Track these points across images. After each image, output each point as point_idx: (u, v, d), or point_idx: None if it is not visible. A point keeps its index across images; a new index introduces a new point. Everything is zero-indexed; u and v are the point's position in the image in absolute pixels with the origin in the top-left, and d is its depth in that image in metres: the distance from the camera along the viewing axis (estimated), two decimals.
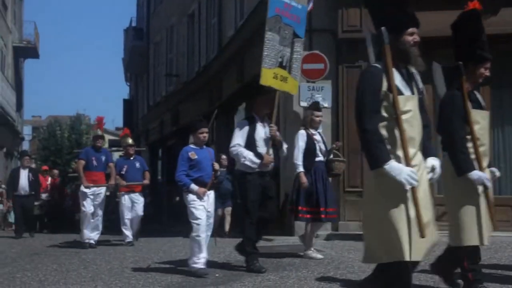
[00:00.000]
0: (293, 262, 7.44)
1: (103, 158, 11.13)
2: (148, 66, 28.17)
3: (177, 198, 12.28)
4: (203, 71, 19.19)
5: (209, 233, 6.86)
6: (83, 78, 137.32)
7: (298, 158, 7.86)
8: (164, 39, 25.16)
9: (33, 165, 17.48)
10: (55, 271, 7.39)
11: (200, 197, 6.71)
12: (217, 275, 6.66)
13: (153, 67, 27.39)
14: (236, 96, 16.48)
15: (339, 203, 10.83)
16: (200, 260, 6.63)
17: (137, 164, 11.60)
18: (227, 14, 17.20)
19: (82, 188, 10.83)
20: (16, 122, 28.57)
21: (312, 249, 8.01)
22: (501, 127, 11.42)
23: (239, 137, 7.08)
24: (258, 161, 6.95)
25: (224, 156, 12.53)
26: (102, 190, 11.02)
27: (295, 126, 11.40)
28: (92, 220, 10.79)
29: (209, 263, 7.53)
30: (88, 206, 10.72)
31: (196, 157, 6.85)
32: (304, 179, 7.73)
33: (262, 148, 7.05)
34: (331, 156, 8.24)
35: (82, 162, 11.00)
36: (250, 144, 7.03)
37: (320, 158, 8.01)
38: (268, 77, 7.38)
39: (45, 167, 21.23)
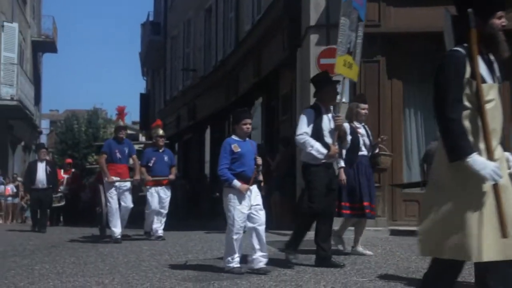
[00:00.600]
0: (309, 257, 7.42)
1: (126, 150, 10.65)
2: (165, 60, 28.24)
3: (217, 194, 11.92)
4: (220, 65, 19.21)
5: (263, 226, 6.49)
6: (100, 72, 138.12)
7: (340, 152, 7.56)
8: (181, 33, 25.20)
9: (48, 157, 17.26)
10: (73, 263, 7.45)
11: (241, 195, 6.36)
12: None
13: (170, 62, 27.45)
14: (253, 91, 16.49)
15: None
16: (234, 259, 6.41)
17: (166, 158, 11.03)
18: (244, 8, 17.18)
19: (106, 182, 10.44)
20: (34, 116, 28.77)
21: (361, 245, 7.78)
22: None
23: (305, 126, 6.73)
24: (325, 151, 6.66)
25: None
26: (128, 184, 10.58)
27: None
28: (122, 216, 10.40)
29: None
30: (114, 201, 10.34)
31: (239, 149, 6.47)
32: (343, 176, 7.40)
33: (328, 139, 6.76)
34: (377, 151, 7.94)
35: (105, 155, 10.53)
36: (317, 134, 6.72)
37: (364, 152, 7.69)
38: (340, 64, 7.10)
39: (68, 161, 21.28)
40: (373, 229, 10.47)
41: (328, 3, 11.40)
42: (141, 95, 35.93)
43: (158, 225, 10.74)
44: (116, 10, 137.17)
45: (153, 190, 10.75)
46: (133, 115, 52.90)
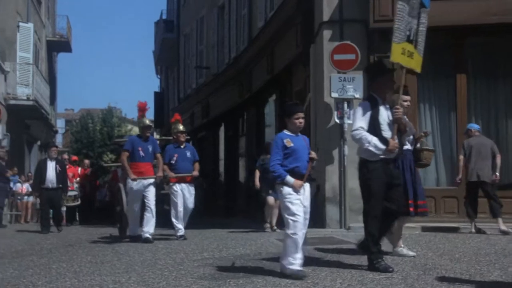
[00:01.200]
0: (325, 254, 7.41)
1: (150, 148, 10.19)
2: (179, 58, 28.29)
3: (270, 192, 11.16)
4: (233, 62, 19.21)
5: (305, 231, 6.05)
6: (114, 71, 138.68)
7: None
8: (194, 31, 25.23)
9: (65, 155, 17.24)
10: (90, 262, 7.48)
11: (296, 190, 5.92)
12: (249, 266, 6.66)
13: (183, 60, 27.50)
14: (267, 88, 16.47)
15: None
16: (296, 261, 5.89)
17: (188, 153, 10.59)
18: (257, 5, 17.16)
19: (129, 182, 9.97)
20: (49, 116, 28.93)
21: (402, 245, 7.37)
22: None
23: (361, 120, 6.24)
24: (383, 147, 6.17)
25: None
26: (151, 182, 10.08)
27: (326, 118, 11.37)
28: (148, 215, 9.94)
29: (241, 255, 7.56)
30: (136, 200, 9.99)
31: (292, 144, 5.98)
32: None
33: (386, 133, 6.26)
34: (419, 145, 7.60)
35: (126, 153, 10.07)
36: (374, 127, 6.22)
37: (408, 146, 7.24)
38: (397, 53, 6.61)
39: (74, 158, 21.08)
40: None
41: None
42: (155, 93, 36.03)
43: (180, 224, 10.36)
44: (129, 9, 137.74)
45: (177, 187, 10.35)
46: (147, 113, 53.12)
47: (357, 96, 10.98)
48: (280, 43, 14.86)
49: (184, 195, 10.39)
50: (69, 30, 33.03)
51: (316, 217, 11.53)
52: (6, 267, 7.21)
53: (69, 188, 15.70)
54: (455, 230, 10.03)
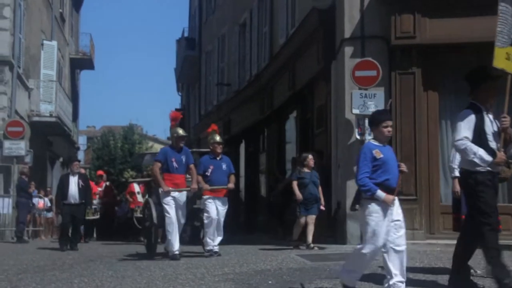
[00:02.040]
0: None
1: (184, 158, 9.83)
2: (200, 75, 28.47)
3: (357, 207, 11.06)
4: (254, 79, 19.29)
5: (404, 247, 5.67)
6: (136, 88, 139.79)
7: (454, 160, 7.08)
8: (215, 48, 25.40)
9: (83, 171, 16.51)
10: (111, 277, 7.52)
11: (386, 207, 5.54)
12: (270, 282, 6.65)
13: (204, 77, 27.67)
14: (288, 104, 16.50)
15: None
16: (353, 276, 5.71)
17: (224, 166, 10.18)
18: (279, 22, 17.25)
19: (162, 194, 9.61)
20: (72, 132, 29.22)
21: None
22: None
23: (466, 129, 5.84)
24: (490, 159, 5.78)
25: (310, 156, 11.12)
26: (184, 195, 9.81)
27: (347, 134, 11.35)
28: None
29: (262, 270, 7.55)
30: (173, 211, 9.55)
31: (382, 155, 5.57)
32: (456, 187, 6.93)
33: (492, 143, 5.88)
34: None
35: (159, 164, 9.71)
36: (479, 138, 5.83)
37: None
38: (501, 58, 6.20)
39: (100, 172, 20.68)
40: (411, 242, 10.35)
41: (363, 15, 11.39)
42: (177, 110, 36.22)
43: (215, 240, 9.92)
44: (152, 27, 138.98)
45: (211, 200, 9.91)
46: (167, 131, 53.40)
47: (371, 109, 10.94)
48: (301, 59, 14.91)
49: (218, 209, 9.95)
50: (92, 48, 33.43)
51: (338, 233, 11.50)
52: (29, 281, 7.27)
53: None
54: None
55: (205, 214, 9.90)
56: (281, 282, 6.59)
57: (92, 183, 15.71)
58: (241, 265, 8.33)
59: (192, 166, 9.92)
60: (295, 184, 10.81)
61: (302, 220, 10.77)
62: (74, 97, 31.70)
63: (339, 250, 10.09)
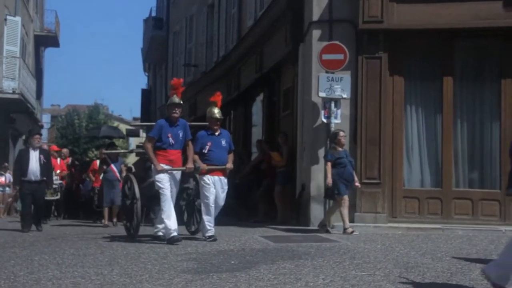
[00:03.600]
0: (309, 251, 7.44)
1: (181, 133, 8.89)
2: (167, 56, 28.24)
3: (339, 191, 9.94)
4: (221, 61, 19.20)
5: None
6: (102, 67, 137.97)
7: None
8: (183, 29, 25.20)
9: (45, 146, 15.10)
10: (72, 255, 7.46)
11: None
12: (232, 262, 6.67)
13: (172, 57, 27.45)
14: (255, 86, 16.48)
15: (355, 195, 10.80)
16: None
17: (223, 142, 9.19)
18: (247, 4, 17.17)
19: (155, 171, 8.72)
20: (35, 110, 28.78)
21: None
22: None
23: None
24: None
25: (342, 133, 10.19)
26: (179, 174, 8.94)
27: (313, 117, 11.39)
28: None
29: (225, 251, 7.56)
30: (168, 189, 8.64)
31: None
32: None
33: None
34: None
35: (153, 140, 8.81)
36: None
37: None
38: None
39: (53, 147, 17.69)
40: (373, 225, 10.49)
41: None
42: (143, 90, 35.96)
43: (211, 223, 8.99)
44: (119, 5, 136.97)
45: (209, 180, 8.94)
46: (133, 111, 52.96)
47: (344, 96, 11.01)
48: (269, 42, 14.87)
49: (216, 189, 9.02)
50: (57, 25, 32.86)
51: (301, 216, 11.57)
52: None
53: None
54: (438, 231, 10.08)
55: (204, 200, 8.96)
56: (243, 263, 6.61)
57: (54, 160, 14.27)
58: (204, 245, 8.33)
59: (189, 142, 9.01)
60: (329, 165, 9.94)
61: (346, 199, 9.90)
62: (38, 75, 31.16)
63: (302, 232, 10.17)
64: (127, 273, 5.98)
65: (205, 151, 9.03)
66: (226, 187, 9.17)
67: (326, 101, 11.06)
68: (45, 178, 11.81)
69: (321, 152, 11.12)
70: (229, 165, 9.17)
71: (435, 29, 11.04)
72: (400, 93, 11.30)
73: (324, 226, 10.17)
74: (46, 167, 11.87)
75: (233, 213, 13.59)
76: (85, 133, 42.03)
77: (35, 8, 30.48)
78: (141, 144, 11.29)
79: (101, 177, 14.42)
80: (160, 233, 9.00)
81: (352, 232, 9.69)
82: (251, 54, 16.36)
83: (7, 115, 24.59)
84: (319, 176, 11.07)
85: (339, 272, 5.90)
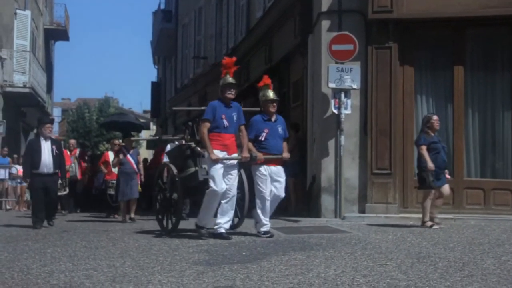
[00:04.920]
0: (320, 242, 7.43)
1: (235, 116, 8.04)
2: (176, 48, 28.24)
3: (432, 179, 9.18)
4: (231, 53, 19.15)
5: None
6: (112, 61, 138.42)
7: None
8: (192, 21, 25.18)
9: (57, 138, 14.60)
10: (84, 247, 7.49)
11: None
12: (244, 253, 6.68)
13: (181, 50, 27.45)
14: None
15: (366, 185, 10.77)
16: None
17: (280, 129, 8.35)
18: None
19: (209, 161, 7.84)
20: (46, 104, 28.92)
21: None
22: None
23: None
24: None
25: (435, 117, 9.47)
26: (235, 163, 8.03)
27: (323, 108, 11.36)
28: (224, 202, 7.94)
29: (236, 242, 7.57)
30: (219, 181, 7.78)
31: None
32: None
33: None
34: None
35: (207, 124, 7.89)
36: None
37: None
38: None
39: (56, 137, 16.53)
40: (384, 216, 10.47)
41: None
42: (152, 83, 36.01)
43: (267, 218, 8.28)
44: None
45: (265, 171, 8.15)
46: (144, 104, 53.12)
47: (354, 86, 10.98)
48: (278, 33, 14.84)
49: (274, 181, 8.26)
50: (67, 19, 32.96)
51: (312, 207, 11.57)
52: (1, 251, 7.21)
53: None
54: (450, 221, 10.05)
55: (259, 193, 8.19)
56: (255, 254, 6.61)
57: (65, 152, 13.63)
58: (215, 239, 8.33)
59: (243, 127, 8.14)
60: (424, 149, 9.18)
61: (436, 191, 9.22)
62: (48, 69, 31.30)
63: (313, 223, 10.17)
64: (139, 265, 6.00)
65: (262, 138, 8.20)
66: (284, 177, 8.44)
67: (336, 92, 11.04)
68: (57, 171, 10.97)
69: (331, 143, 11.09)
70: (286, 155, 8.39)
71: (445, 18, 10.98)
72: (410, 83, 11.25)
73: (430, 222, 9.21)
74: (59, 159, 11.04)
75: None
76: (104, 132, 41.74)
77: (44, 2, 30.58)
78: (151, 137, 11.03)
79: (113, 169, 13.56)
80: (221, 230, 7.99)
81: (432, 226, 8.99)
82: (260, 46, 16.32)
83: (18, 109, 24.72)
84: (330, 167, 11.06)
85: (350, 262, 5.89)
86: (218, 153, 7.83)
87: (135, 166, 12.53)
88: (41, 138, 10.96)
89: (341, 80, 10.93)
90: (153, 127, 41.95)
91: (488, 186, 10.87)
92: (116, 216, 13.84)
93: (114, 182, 13.25)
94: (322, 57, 11.35)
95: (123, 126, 17.04)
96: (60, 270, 5.75)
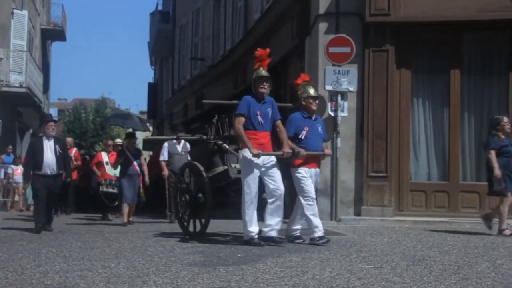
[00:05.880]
0: (316, 244, 7.42)
1: (270, 111, 7.46)
2: (173, 49, 28.23)
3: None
4: (228, 54, 19.18)
5: None
6: (109, 61, 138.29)
7: None
8: (190, 23, 25.18)
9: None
10: (79, 248, 7.47)
11: None
12: (239, 255, 6.67)
13: (178, 51, 27.44)
14: None
15: (362, 188, 10.78)
16: None
17: (319, 128, 7.82)
18: None
19: (246, 157, 7.22)
20: (42, 104, 28.88)
21: None
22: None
23: None
24: None
25: (505, 119, 8.96)
26: (274, 159, 7.41)
27: (319, 110, 11.35)
28: (276, 204, 7.37)
29: (231, 244, 7.56)
30: (253, 184, 7.26)
31: None
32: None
33: None
34: None
35: (242, 119, 7.31)
36: None
37: None
38: None
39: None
40: (380, 219, 10.48)
41: None
42: (149, 84, 35.99)
43: (319, 221, 7.69)
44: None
45: (305, 172, 7.56)
46: (140, 105, 53.10)
47: (351, 89, 11.00)
48: (275, 35, 14.84)
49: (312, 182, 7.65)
50: (64, 19, 32.91)
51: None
52: None
53: None
54: (445, 224, 10.07)
55: (304, 195, 7.53)
56: (250, 256, 6.60)
57: None
58: (210, 238, 8.33)
59: (279, 122, 7.54)
60: (493, 154, 8.70)
61: (510, 196, 8.67)
62: (45, 69, 31.26)
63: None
64: (133, 266, 5.98)
65: (302, 137, 7.56)
66: (319, 182, 8.05)
67: (333, 94, 11.06)
68: (61, 172, 10.31)
69: (328, 145, 11.08)
70: (328, 151, 8.01)
71: (442, 22, 11.00)
72: (407, 86, 11.27)
73: (488, 221, 8.96)
74: (64, 159, 10.39)
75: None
76: (100, 133, 41.50)
77: (41, 2, 30.54)
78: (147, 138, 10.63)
79: (107, 171, 13.23)
80: (273, 233, 7.41)
81: (511, 234, 8.49)
82: (258, 48, 16.28)
83: (14, 109, 24.68)
84: (326, 169, 11.05)
85: (345, 265, 5.89)
86: (251, 157, 7.17)
87: (137, 168, 11.93)
88: (44, 137, 10.35)
89: (338, 82, 10.95)
90: (149, 128, 41.92)
91: (484, 190, 10.85)
92: (110, 217, 13.35)
93: (107, 180, 12.85)
94: (319, 59, 11.37)
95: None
96: (54, 271, 5.73)
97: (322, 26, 11.45)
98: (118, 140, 15.50)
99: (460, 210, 10.86)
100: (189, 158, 11.09)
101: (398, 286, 4.83)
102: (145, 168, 12.17)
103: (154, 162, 15.56)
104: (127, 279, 5.28)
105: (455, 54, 11.24)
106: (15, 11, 23.57)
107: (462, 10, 10.81)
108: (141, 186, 12.24)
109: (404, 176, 11.10)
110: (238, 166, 7.77)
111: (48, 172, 10.04)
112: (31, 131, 28.43)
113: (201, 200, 7.99)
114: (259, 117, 7.31)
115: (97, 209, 14.84)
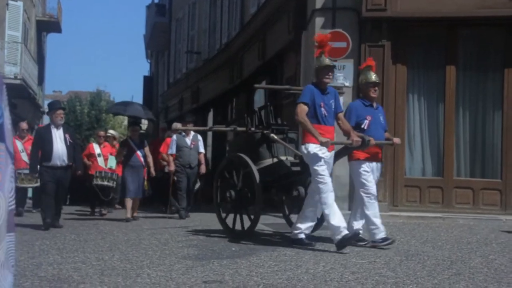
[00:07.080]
0: (310, 238, 7.44)
1: (333, 103, 6.87)
2: (169, 43, 28.15)
3: None
4: (224, 48, 19.15)
5: None
6: (104, 54, 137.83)
7: None
8: (186, 16, 25.11)
9: (24, 124, 13.43)
10: (73, 240, 7.49)
11: None
12: (233, 248, 6.68)
13: (174, 44, 27.37)
14: (257, 74, 16.44)
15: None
16: None
17: (381, 117, 7.25)
18: None
19: (311, 151, 6.61)
20: (37, 96, 28.79)
21: None
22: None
23: None
24: None
25: None
26: (332, 153, 6.86)
27: None
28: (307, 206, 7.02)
29: (226, 238, 7.57)
30: (328, 177, 6.65)
31: None
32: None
33: None
34: None
35: (305, 107, 6.68)
36: None
37: None
38: None
39: (24, 126, 14.16)
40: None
41: None
42: (145, 77, 35.92)
43: (380, 221, 7.07)
44: None
45: (368, 166, 6.99)
46: (135, 97, 53.02)
47: (347, 84, 10.99)
48: (272, 29, 14.82)
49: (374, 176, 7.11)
50: (59, 11, 32.76)
51: (302, 204, 11.55)
52: None
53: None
54: (439, 219, 10.10)
55: (365, 192, 6.91)
56: (244, 249, 6.62)
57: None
58: (205, 232, 8.34)
59: (341, 115, 6.96)
60: None
61: None
62: (40, 61, 31.13)
63: None
64: (127, 258, 5.99)
65: (365, 127, 6.99)
66: (380, 177, 7.47)
67: None
68: (71, 164, 9.58)
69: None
70: (397, 139, 7.48)
71: (439, 18, 10.99)
72: (402, 81, 11.27)
73: None
74: (74, 149, 9.69)
75: None
76: (95, 126, 41.25)
77: None
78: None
79: (99, 163, 12.81)
80: (302, 235, 6.94)
81: None
82: (254, 42, 16.31)
83: (9, 100, 24.51)
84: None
85: (339, 259, 5.91)
86: (317, 150, 6.53)
87: (142, 160, 11.25)
88: (52, 126, 9.54)
89: (333, 77, 10.91)
90: (144, 121, 41.86)
91: (477, 186, 10.92)
92: (104, 211, 12.66)
93: (102, 173, 12.26)
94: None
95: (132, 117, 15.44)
96: (48, 263, 5.74)
97: (319, 20, 11.42)
98: (111, 131, 15.37)
99: (454, 206, 10.88)
100: (201, 150, 11.39)
101: (392, 280, 4.85)
102: (150, 159, 11.45)
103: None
104: (121, 271, 5.29)
105: (451, 50, 11.24)
106: (10, 2, 23.47)
107: (459, 6, 10.81)
108: (145, 178, 11.42)
109: (399, 171, 11.10)
110: (290, 158, 7.36)
111: (58, 163, 9.32)
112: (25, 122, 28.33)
113: (249, 194, 7.38)
114: (323, 109, 6.70)
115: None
